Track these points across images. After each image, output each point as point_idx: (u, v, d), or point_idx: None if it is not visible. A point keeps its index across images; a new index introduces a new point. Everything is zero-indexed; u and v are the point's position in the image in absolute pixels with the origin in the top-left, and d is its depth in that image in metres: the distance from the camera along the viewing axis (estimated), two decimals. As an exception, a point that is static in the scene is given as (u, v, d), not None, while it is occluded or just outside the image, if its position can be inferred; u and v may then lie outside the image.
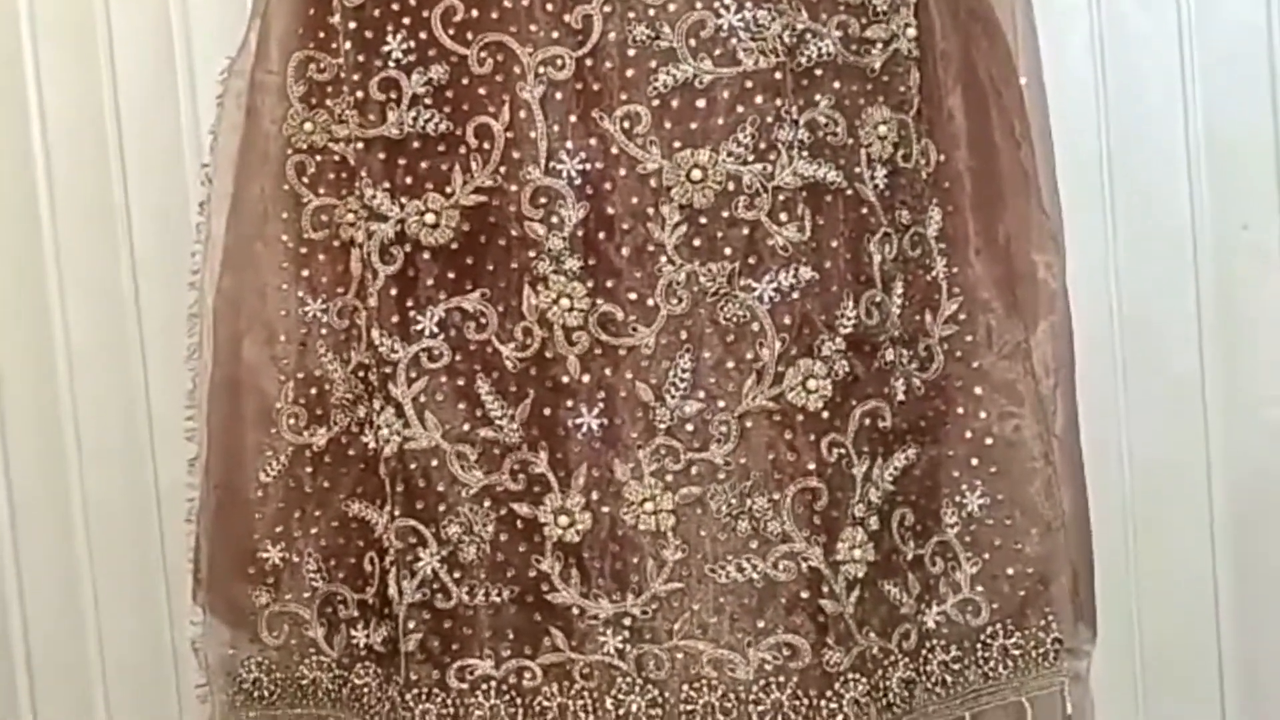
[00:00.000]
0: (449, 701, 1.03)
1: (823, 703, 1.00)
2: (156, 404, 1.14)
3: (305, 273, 1.02)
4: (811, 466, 0.99)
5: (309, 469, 1.02)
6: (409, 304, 1.01)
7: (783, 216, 0.98)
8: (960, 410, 1.05)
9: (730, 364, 0.99)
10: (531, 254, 1.00)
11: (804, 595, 0.99)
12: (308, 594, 1.04)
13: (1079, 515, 1.08)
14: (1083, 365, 1.09)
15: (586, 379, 1.00)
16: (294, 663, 1.09)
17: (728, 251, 0.98)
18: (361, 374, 1.05)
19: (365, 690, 1.08)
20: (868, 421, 1.01)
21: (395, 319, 1.01)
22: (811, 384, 0.98)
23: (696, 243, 0.99)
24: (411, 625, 1.03)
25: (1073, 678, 1.08)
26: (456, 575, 1.02)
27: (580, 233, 0.99)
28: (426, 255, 1.01)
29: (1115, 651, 1.13)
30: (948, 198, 1.05)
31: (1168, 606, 1.09)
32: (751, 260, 0.98)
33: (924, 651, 1.05)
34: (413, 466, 1.02)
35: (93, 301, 1.16)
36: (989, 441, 1.05)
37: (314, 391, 1.07)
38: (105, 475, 1.16)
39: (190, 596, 1.12)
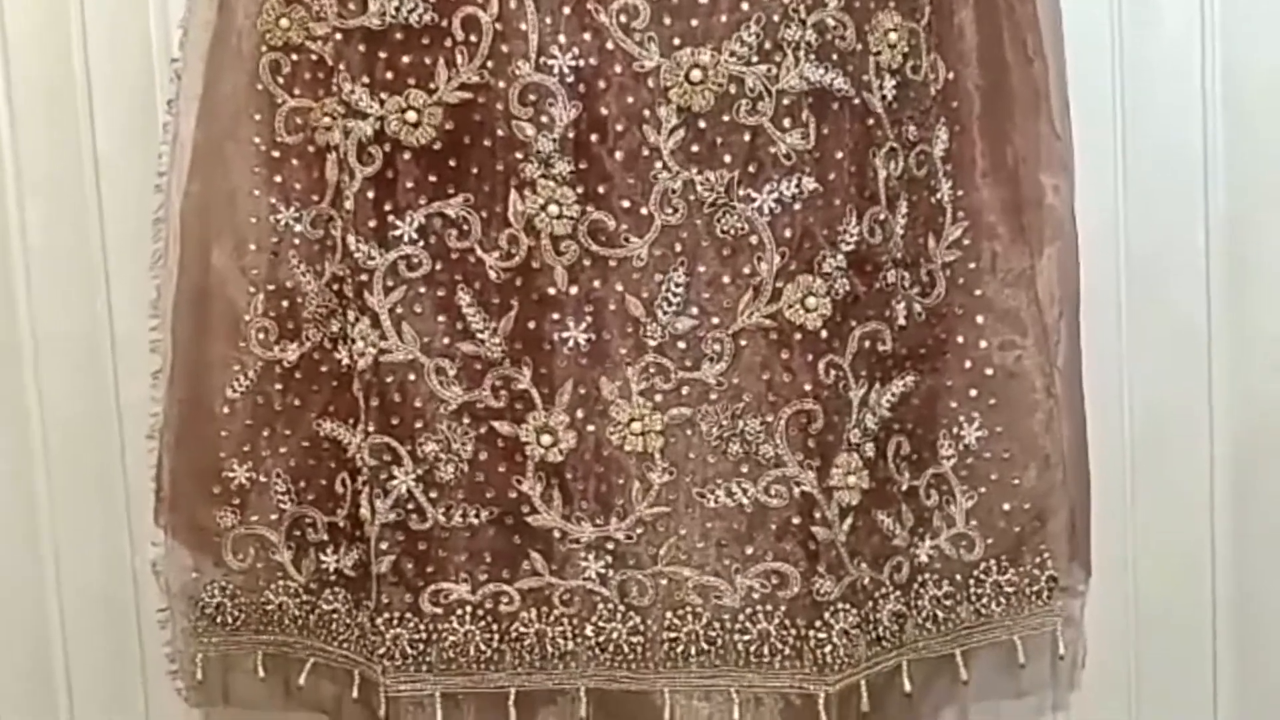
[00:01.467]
0: (421, 626, 0.99)
1: (811, 633, 0.96)
2: (119, 314, 1.07)
3: (278, 178, 0.97)
4: (807, 388, 0.94)
5: (279, 385, 0.98)
6: (387, 208, 0.95)
7: (786, 123, 0.92)
8: (960, 339, 1.01)
9: (726, 278, 0.94)
10: (519, 156, 0.94)
11: (795, 521, 0.96)
12: (275, 516, 1.01)
13: (1078, 451, 1.04)
14: (1085, 298, 1.05)
15: (574, 291, 0.95)
16: (259, 587, 1.04)
17: (727, 159, 0.93)
18: (336, 287, 0.99)
19: (334, 616, 1.03)
20: (867, 344, 0.96)
21: (372, 224, 0.95)
22: (811, 302, 0.94)
23: (695, 149, 0.93)
24: (384, 546, 0.98)
25: (1066, 618, 1.05)
26: (432, 495, 0.98)
27: (571, 134, 0.93)
28: (407, 156, 0.95)
29: (1108, 593, 1.09)
30: (955, 117, 1.01)
31: (1164, 548, 1.06)
32: (752, 168, 0.93)
33: (916, 585, 1.02)
34: (389, 380, 0.97)
35: (53, 205, 1.06)
36: (989, 372, 1.01)
37: (285, 304, 1.02)
38: (64, 389, 1.09)
39: (152, 517, 1.08)
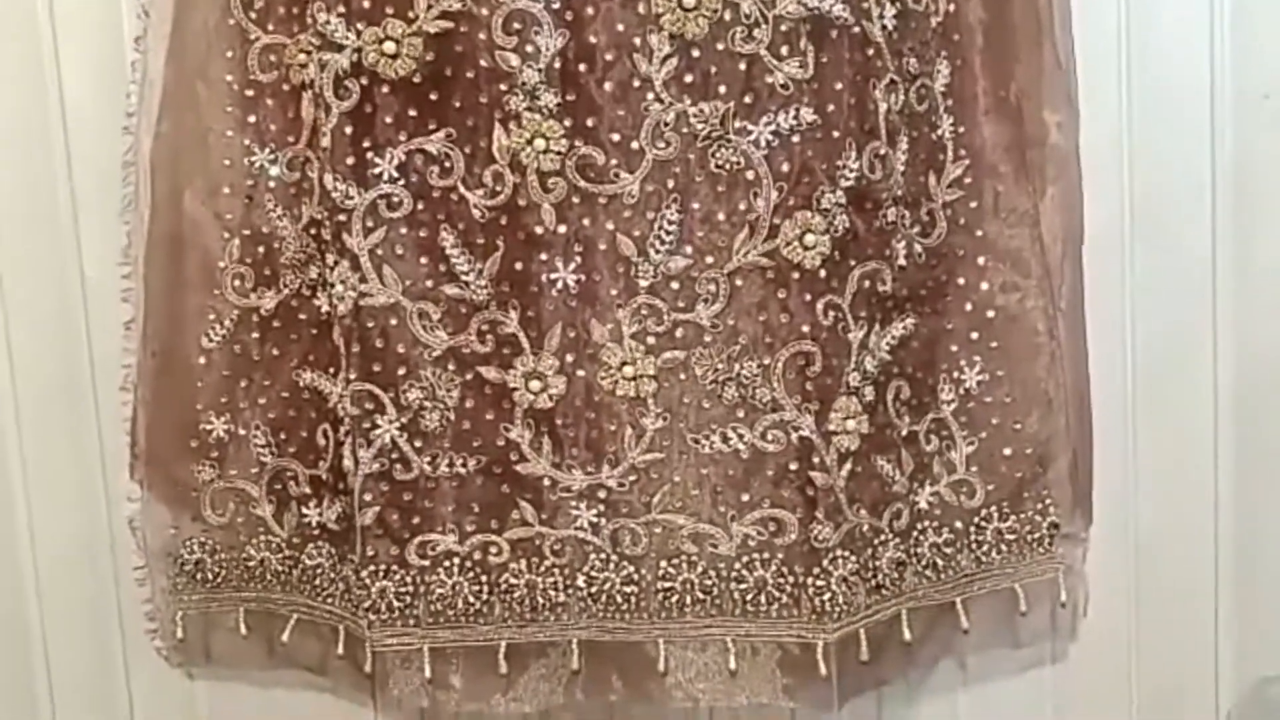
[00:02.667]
0: (408, 579, 0.95)
1: (809, 580, 0.93)
2: (90, 262, 1.02)
3: (252, 118, 0.94)
4: (806, 329, 0.91)
5: (256, 334, 0.95)
6: (365, 145, 0.91)
7: (784, 50, 0.88)
8: (961, 280, 0.98)
9: (721, 215, 0.91)
10: (503, 88, 0.90)
11: (793, 467, 0.93)
12: (255, 469, 0.99)
13: (1080, 395, 1.01)
14: (1089, 237, 1.01)
15: (562, 230, 0.91)
16: (240, 543, 1.01)
17: (722, 89, 0.89)
18: (314, 231, 0.95)
19: (318, 571, 1.00)
20: (867, 284, 0.93)
21: (350, 161, 0.91)
22: (809, 239, 0.90)
23: (688, 78, 0.89)
24: (368, 498, 0.94)
25: (1067, 566, 1.02)
26: (417, 444, 0.94)
27: (558, 64, 0.89)
28: (385, 90, 0.90)
29: (1110, 540, 1.06)
30: (957, 51, 0.96)
31: (1166, 494, 1.02)
32: (748, 99, 0.89)
33: (915, 532, 0.99)
34: (370, 326, 0.93)
35: (17, 149, 1.00)
36: (990, 314, 0.98)
37: (262, 250, 0.97)
38: (34, 340, 1.04)
39: (127, 472, 1.04)
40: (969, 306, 0.97)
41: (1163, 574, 1.07)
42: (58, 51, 1.06)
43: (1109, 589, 1.06)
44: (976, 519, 0.99)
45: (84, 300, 1.08)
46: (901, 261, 0.95)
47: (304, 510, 0.99)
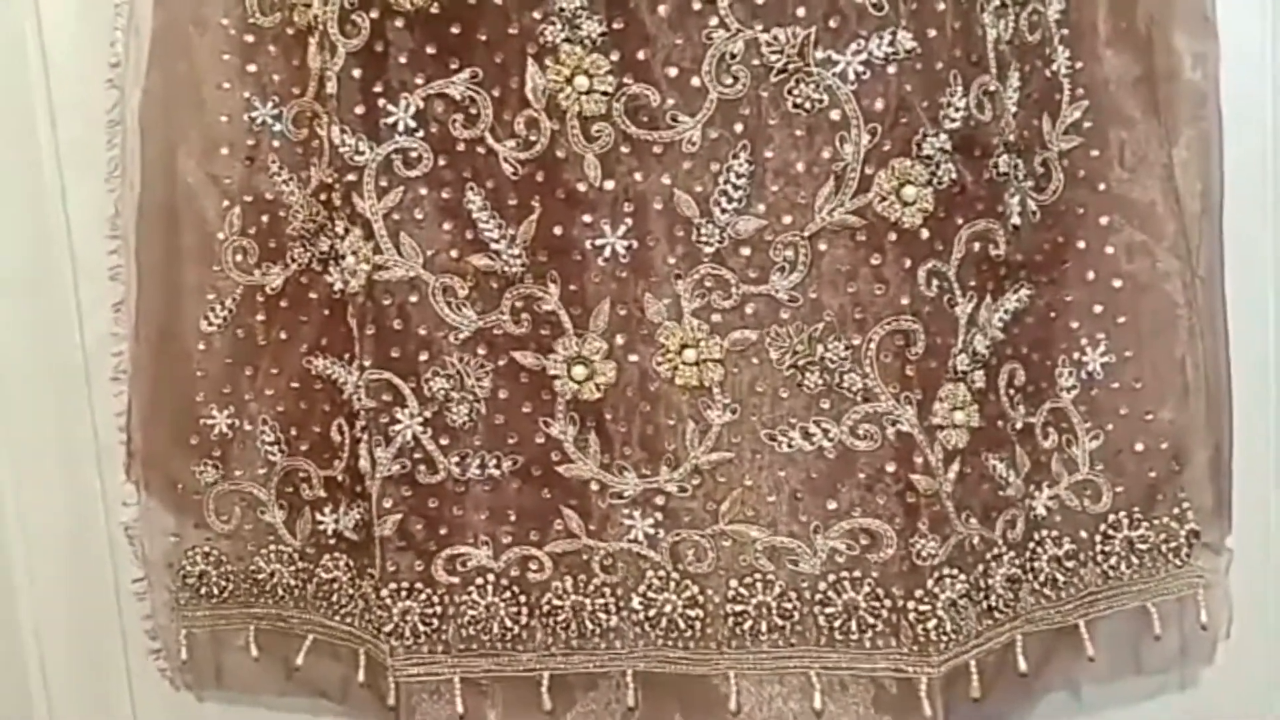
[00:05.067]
0: (435, 599, 0.82)
1: (911, 604, 0.78)
2: (78, 235, 0.92)
3: (252, 68, 0.84)
4: (905, 302, 0.76)
5: (262, 316, 0.86)
6: (377, 90, 0.78)
7: (875, -38, 0.72)
8: (1081, 244, 0.83)
9: (800, 166, 0.76)
10: (537, 16, 0.76)
11: (890, 469, 0.78)
12: (263, 470, 0.88)
13: (1218, 378, 0.86)
14: (1231, 192, 0.86)
15: (610, 186, 0.77)
16: (248, 553, 0.89)
17: (801, 11, 0.74)
18: (324, 197, 0.82)
19: (335, 586, 0.87)
20: (977, 247, 0.77)
21: (360, 110, 0.78)
22: (909, 192, 0.75)
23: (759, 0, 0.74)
24: (388, 504, 0.81)
25: (1208, 579, 0.87)
26: (443, 442, 0.81)
27: (603, -15, 0.75)
28: (399, 23, 0.77)
29: (1247, 549, 0.90)
30: (1074, -30, 0.80)
31: None
32: (833, 23, 0.74)
33: (1032, 544, 0.84)
34: (386, 304, 0.80)
35: None
36: (1116, 284, 0.83)
37: (266, 219, 0.85)
38: (17, 326, 0.98)
39: (123, 472, 0.92)
40: (1091, 275, 0.83)
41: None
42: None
43: (1247, 605, 0.90)
44: (1103, 526, 0.85)
45: (74, 278, 0.97)
46: (1015, 220, 0.79)
47: (318, 517, 0.87)
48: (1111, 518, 0.86)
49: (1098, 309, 0.84)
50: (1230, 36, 0.85)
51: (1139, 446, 0.85)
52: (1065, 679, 0.89)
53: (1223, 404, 0.87)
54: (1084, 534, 0.85)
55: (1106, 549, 0.86)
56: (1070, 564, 0.85)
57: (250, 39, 0.84)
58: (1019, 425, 0.83)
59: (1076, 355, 0.85)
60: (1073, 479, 0.85)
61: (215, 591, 0.91)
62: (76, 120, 0.94)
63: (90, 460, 1.00)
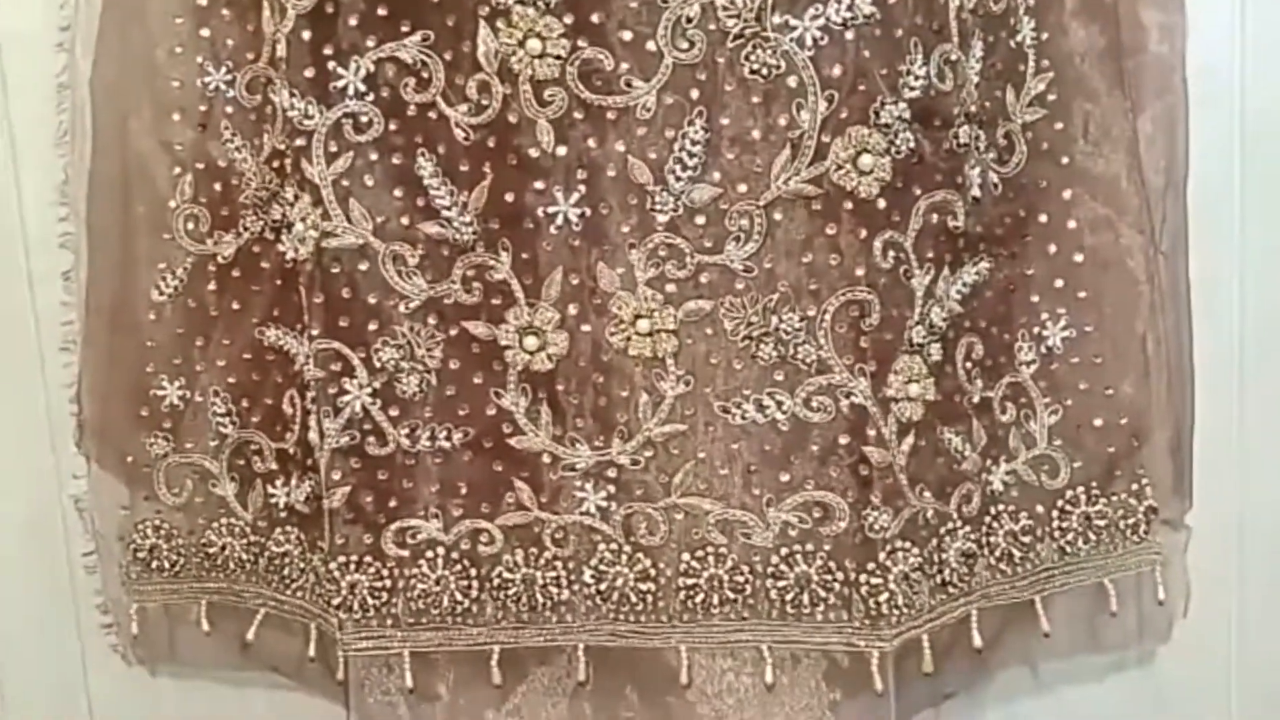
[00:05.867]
0: (384, 572, 0.81)
1: (863, 577, 0.77)
2: (30, 202, 0.90)
3: (205, 32, 0.82)
4: (860, 273, 0.75)
5: (213, 285, 0.84)
6: (326, 52, 0.76)
7: (834, -75, 0.70)
8: (1043, 217, 0.82)
9: (756, 133, 0.75)
10: None
11: (843, 441, 0.77)
12: (215, 442, 0.86)
13: (1180, 355, 0.86)
14: (1196, 166, 0.85)
15: (562, 152, 0.76)
16: (199, 527, 0.88)
17: None
18: (276, 164, 0.80)
19: (286, 560, 0.86)
20: (934, 218, 0.76)
21: (309, 73, 0.76)
22: (865, 161, 0.73)
23: (715, -38, 0.73)
24: (337, 476, 0.80)
25: (1166, 557, 0.87)
26: (393, 413, 0.79)
27: (556, -54, 0.73)
28: None
29: (1209, 526, 0.90)
30: (1040, -60, 0.79)
31: (1277, 474, 0.89)
32: None
33: (988, 519, 0.83)
34: (335, 272, 0.78)
35: None
36: (1078, 258, 0.82)
37: (219, 187, 0.84)
38: None
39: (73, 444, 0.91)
40: (1053, 248, 0.82)
41: (1270, 566, 0.93)
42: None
43: (1207, 582, 0.91)
44: (1060, 502, 0.85)
45: (24, 245, 0.95)
46: (975, 192, 0.78)
47: (270, 489, 0.85)
48: (1069, 493, 0.85)
49: (1059, 283, 0.83)
50: (1199, 10, 0.85)
51: (1098, 422, 0.84)
52: (1022, 655, 0.89)
53: (1185, 381, 0.87)
54: (1040, 509, 0.85)
55: (1064, 525, 0.85)
56: (1027, 539, 0.85)
57: (203, 2, 0.82)
58: (976, 399, 0.82)
59: (1036, 330, 0.84)
60: (1030, 454, 0.84)
61: (166, 565, 0.89)
62: (27, 85, 0.91)
63: (44, 432, 0.98)
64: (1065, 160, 0.82)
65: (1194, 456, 0.88)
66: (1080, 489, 0.85)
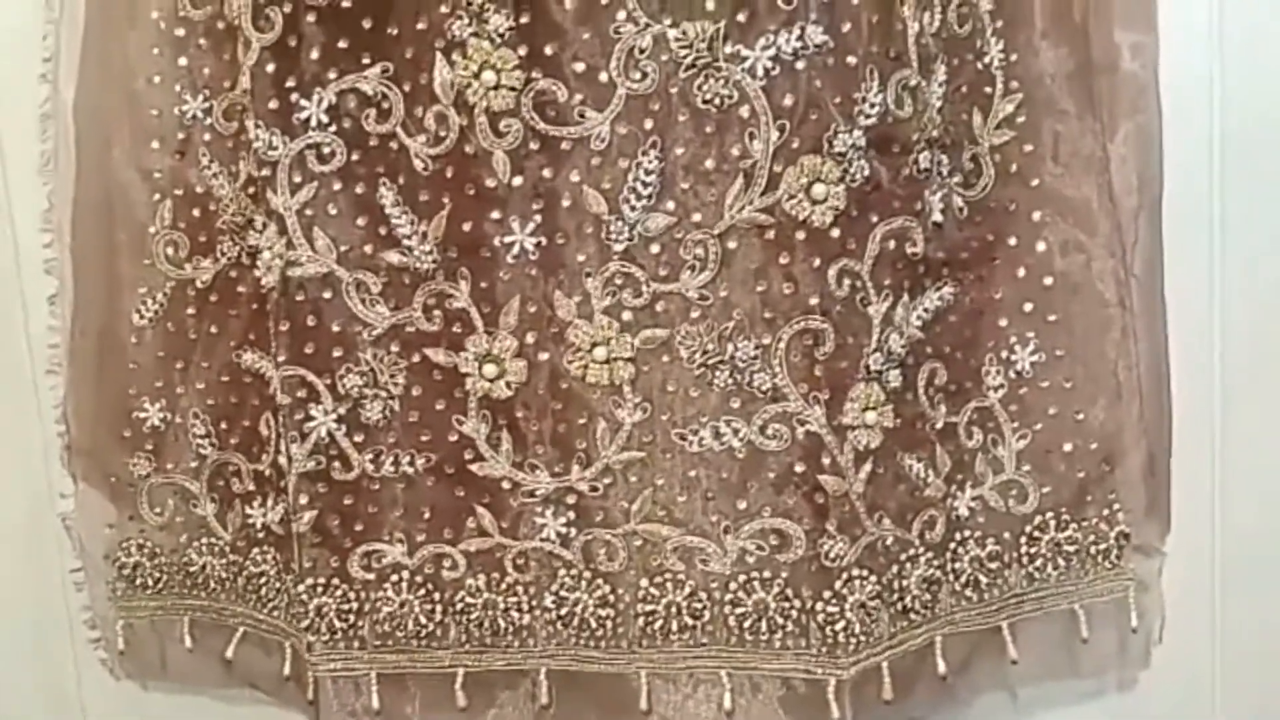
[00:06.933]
0: (351, 594, 0.82)
1: (819, 605, 0.77)
2: (22, 228, 0.91)
3: (183, 61, 0.83)
4: (814, 301, 0.75)
5: (192, 310, 0.85)
6: (290, 85, 0.77)
7: (786, -44, 0.70)
8: (1013, 240, 0.81)
9: (710, 163, 0.75)
10: (445, 10, 0.75)
11: (799, 469, 0.77)
12: (195, 463, 0.87)
13: (1156, 378, 0.85)
14: (1171, 188, 0.83)
15: (518, 182, 0.76)
16: (181, 545, 0.89)
17: (710, 5, 0.73)
18: (251, 190, 0.81)
19: (263, 579, 0.87)
20: (892, 245, 0.75)
21: (273, 105, 0.77)
22: (818, 190, 0.73)
23: (668, -8, 0.73)
24: (304, 500, 0.81)
25: (1139, 583, 0.85)
26: (358, 439, 0.80)
27: (510, -22, 0.73)
28: (311, 18, 0.77)
29: (1190, 551, 0.89)
30: (1008, -40, 0.78)
31: (1258, 498, 0.87)
32: (742, 18, 0.73)
33: (953, 545, 0.82)
34: (300, 299, 0.79)
35: None
36: (1048, 281, 0.81)
37: (197, 213, 0.85)
38: None
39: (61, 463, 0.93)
40: (1022, 272, 0.81)
41: (1251, 592, 0.91)
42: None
43: (1188, 608, 0.90)
44: (1029, 528, 0.83)
45: (18, 269, 0.96)
46: (937, 218, 0.77)
47: (248, 510, 0.87)
48: (1038, 519, 0.84)
49: (1028, 307, 0.82)
50: (1174, 28, 0.83)
51: (1068, 447, 0.83)
52: (994, 681, 0.88)
53: (1160, 405, 0.85)
54: (1008, 535, 0.84)
55: (1032, 551, 0.84)
56: (994, 565, 0.84)
57: (181, 32, 0.83)
58: (939, 425, 0.81)
59: (1005, 353, 0.83)
60: (998, 479, 0.84)
61: (150, 582, 0.91)
62: (17, 113, 0.93)
63: (38, 450, 1.00)
64: (1035, 182, 0.81)
65: (1170, 482, 0.87)
66: (1050, 515, 0.84)
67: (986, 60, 0.80)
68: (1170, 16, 0.83)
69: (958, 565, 0.83)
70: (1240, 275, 0.89)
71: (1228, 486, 0.91)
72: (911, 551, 0.80)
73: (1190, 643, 0.92)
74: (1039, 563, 0.84)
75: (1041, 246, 0.82)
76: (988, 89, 0.80)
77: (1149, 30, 0.81)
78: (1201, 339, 0.89)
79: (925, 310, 0.80)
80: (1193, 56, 0.86)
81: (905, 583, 0.80)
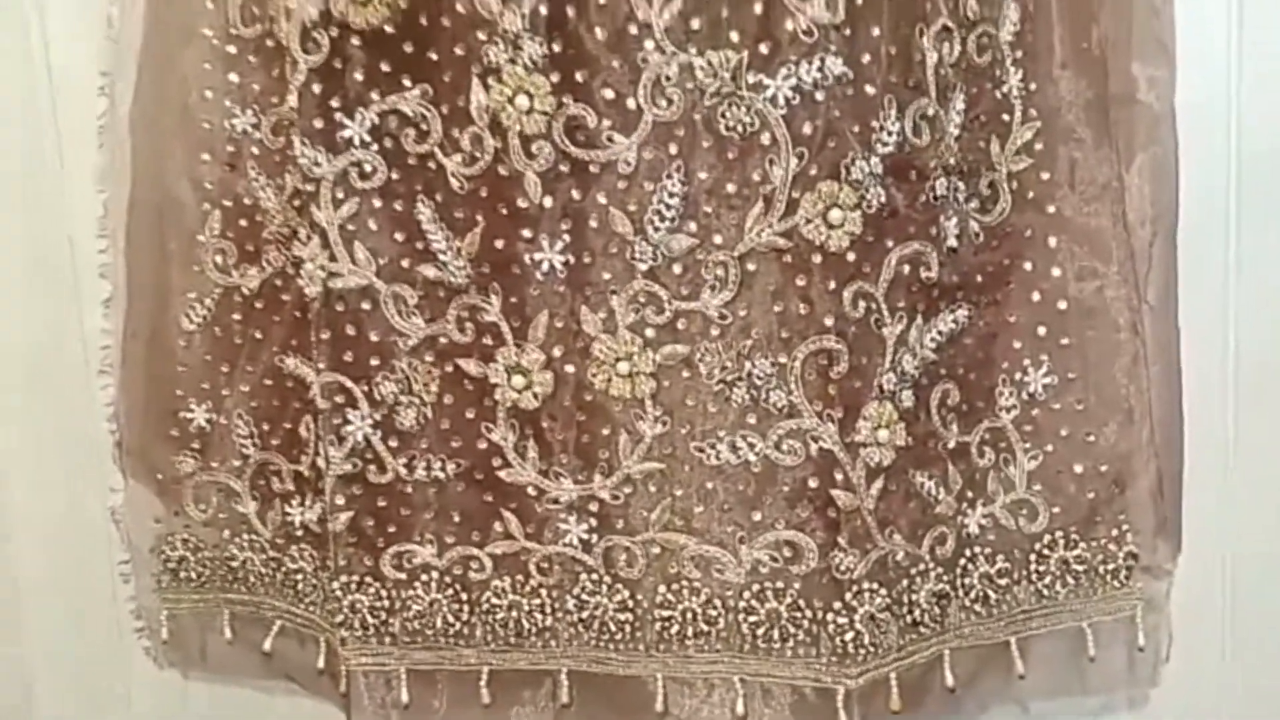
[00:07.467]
0: (383, 593, 0.85)
1: (830, 616, 0.79)
2: (79, 233, 0.94)
3: (233, 77, 0.86)
4: (829, 322, 0.77)
5: (238, 316, 0.88)
6: (335, 105, 0.80)
7: (808, -12, 0.73)
8: (1028, 265, 0.83)
9: (731, 187, 0.77)
10: (482, 37, 0.77)
11: (812, 484, 0.79)
12: (238, 462, 0.90)
13: (1169, 404, 0.86)
14: (1186, 218, 0.85)
15: (549, 203, 0.79)
16: (223, 541, 0.93)
17: (734, 36, 0.75)
18: (297, 203, 0.84)
19: (300, 576, 0.91)
20: (906, 270, 0.77)
21: (319, 124, 0.80)
22: (835, 216, 0.75)
23: (694, 24, 0.76)
24: (340, 501, 0.84)
25: (1147, 602, 0.87)
26: (392, 444, 0.83)
27: (544, 8, 0.76)
28: (356, 42, 0.79)
29: (1199, 573, 0.90)
30: (1029, -8, 0.79)
31: (1268, 522, 0.89)
32: (764, 48, 0.75)
33: (963, 561, 0.84)
34: (340, 310, 0.82)
35: (0, 110, 0.97)
36: (1062, 306, 0.83)
37: (244, 223, 0.88)
38: (25, 319, 0.98)
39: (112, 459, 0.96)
40: (1036, 296, 0.83)
41: (1261, 612, 0.93)
42: (42, 4, 0.97)
43: (1197, 627, 0.91)
44: (1039, 546, 0.85)
45: (74, 274, 1.01)
46: (952, 243, 0.79)
47: (287, 509, 0.90)
48: (1048, 537, 0.85)
49: (1042, 330, 0.84)
50: (1192, 58, 0.84)
51: (1079, 468, 0.85)
52: (1002, 695, 0.89)
53: (1172, 430, 0.86)
54: (1018, 553, 0.85)
55: (1040, 568, 0.86)
56: (1003, 581, 0.85)
57: (232, 50, 0.87)
58: (952, 444, 0.83)
59: (1018, 375, 0.84)
60: (1008, 498, 0.85)
61: (194, 576, 0.94)
62: (82, 123, 0.96)
63: (90, 447, 1.03)
64: (1051, 209, 0.83)
65: (1181, 504, 0.88)
66: (1059, 533, 0.85)
67: (1005, 89, 0.82)
68: (1188, 49, 0.84)
69: (967, 580, 0.85)
70: (1254, 303, 0.90)
71: (1239, 510, 0.92)
72: (922, 566, 0.82)
73: (1200, 662, 0.93)
74: (1048, 580, 0.86)
75: (1057, 271, 0.83)
76: (1006, 117, 0.82)
77: (1166, 64, 0.82)
78: (1214, 366, 0.90)
79: (939, 332, 0.82)
80: (1211, 88, 0.87)
81: (915, 596, 0.82)
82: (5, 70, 1.00)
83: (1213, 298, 0.89)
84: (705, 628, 0.82)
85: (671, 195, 0.78)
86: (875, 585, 0.79)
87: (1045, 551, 0.85)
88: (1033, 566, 0.85)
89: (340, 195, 0.81)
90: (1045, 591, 0.85)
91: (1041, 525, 0.85)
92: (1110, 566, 0.85)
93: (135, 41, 0.89)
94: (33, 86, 0.99)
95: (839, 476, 0.78)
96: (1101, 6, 0.81)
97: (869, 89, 0.75)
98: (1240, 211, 0.90)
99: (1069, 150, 0.82)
